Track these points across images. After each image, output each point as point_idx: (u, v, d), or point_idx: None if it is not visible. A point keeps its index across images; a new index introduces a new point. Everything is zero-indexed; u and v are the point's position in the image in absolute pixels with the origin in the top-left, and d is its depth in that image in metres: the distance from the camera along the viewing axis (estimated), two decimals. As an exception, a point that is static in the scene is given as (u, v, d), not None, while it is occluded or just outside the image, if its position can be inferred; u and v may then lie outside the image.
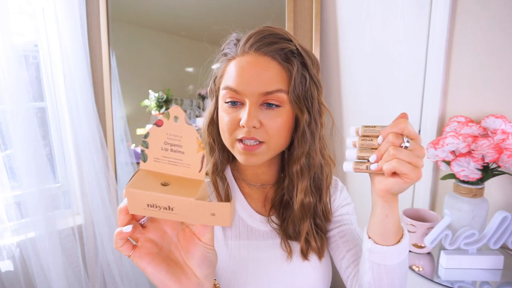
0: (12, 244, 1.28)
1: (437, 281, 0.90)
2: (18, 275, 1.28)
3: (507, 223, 0.90)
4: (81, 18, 1.36)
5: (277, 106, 0.57)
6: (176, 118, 0.33)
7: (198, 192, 0.31)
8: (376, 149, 0.45)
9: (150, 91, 2.11)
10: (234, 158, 0.69)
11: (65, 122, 1.43)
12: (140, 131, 2.16)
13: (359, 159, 0.47)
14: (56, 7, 1.29)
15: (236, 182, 0.69)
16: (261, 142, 0.57)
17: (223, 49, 0.63)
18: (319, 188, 0.66)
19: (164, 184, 0.32)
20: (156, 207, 0.31)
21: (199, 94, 1.78)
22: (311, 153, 0.61)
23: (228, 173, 0.69)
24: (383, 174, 0.45)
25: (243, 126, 0.55)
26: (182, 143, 0.33)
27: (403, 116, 0.44)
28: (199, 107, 1.72)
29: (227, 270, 0.61)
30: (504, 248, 1.03)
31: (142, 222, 0.35)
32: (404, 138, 0.43)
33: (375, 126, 0.46)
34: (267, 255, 0.63)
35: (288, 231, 0.64)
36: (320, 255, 0.65)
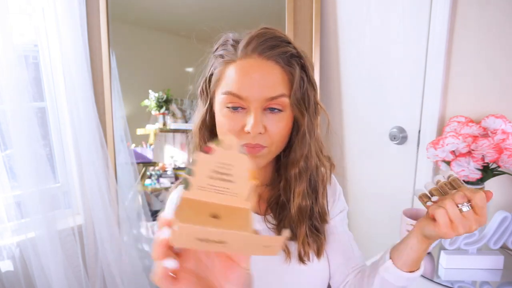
0: (12, 244, 1.28)
1: (437, 281, 0.90)
2: (18, 275, 1.28)
3: (507, 223, 0.90)
4: (81, 18, 1.36)
5: (279, 110, 0.57)
6: (228, 146, 0.32)
7: (249, 224, 0.30)
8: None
9: (150, 91, 2.11)
10: None
11: (65, 122, 1.43)
12: (140, 131, 2.17)
13: (429, 192, 0.53)
14: (56, 7, 1.29)
15: None
16: (262, 147, 0.57)
17: (216, 50, 0.61)
18: (315, 190, 0.65)
19: (214, 216, 0.31)
20: (208, 241, 0.28)
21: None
22: (308, 156, 0.61)
23: None
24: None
25: (248, 132, 0.54)
26: (232, 172, 0.32)
27: (487, 193, 0.48)
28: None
29: None
30: (504, 248, 1.03)
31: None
32: (466, 203, 0.46)
33: (462, 183, 0.51)
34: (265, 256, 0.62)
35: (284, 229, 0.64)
36: (318, 255, 0.64)
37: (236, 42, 0.58)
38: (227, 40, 0.60)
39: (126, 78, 1.71)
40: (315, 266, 0.65)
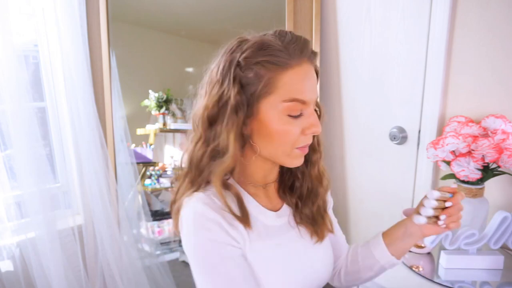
0: (12, 244, 1.27)
1: (437, 281, 0.90)
2: (18, 275, 1.28)
3: (507, 223, 0.90)
4: (81, 18, 1.36)
5: (316, 110, 0.64)
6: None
7: None
8: (442, 209, 0.63)
9: (150, 91, 2.11)
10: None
11: (65, 122, 1.43)
12: (140, 131, 2.17)
13: (433, 217, 0.63)
14: (56, 7, 1.29)
15: (241, 186, 0.67)
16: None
17: (256, 56, 0.56)
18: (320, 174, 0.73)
19: None
20: None
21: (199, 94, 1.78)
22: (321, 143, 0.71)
23: (232, 180, 0.66)
24: (437, 225, 0.64)
25: (310, 134, 0.60)
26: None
27: (459, 190, 0.64)
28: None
29: (259, 273, 0.60)
30: (504, 248, 1.03)
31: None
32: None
33: (444, 192, 0.63)
34: (290, 248, 0.66)
35: (304, 214, 0.70)
36: (332, 231, 0.73)
37: (283, 47, 0.56)
38: (272, 45, 0.56)
39: (126, 78, 1.71)
40: (327, 244, 0.73)
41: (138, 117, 2.14)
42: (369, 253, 0.72)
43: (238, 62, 0.57)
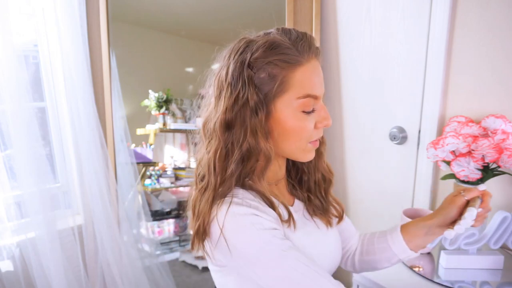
0: (12, 244, 1.27)
1: (437, 281, 0.90)
2: (18, 275, 1.28)
3: (507, 223, 0.90)
4: (81, 18, 1.36)
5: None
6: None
7: None
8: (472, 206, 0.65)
9: (150, 91, 2.11)
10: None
11: (65, 122, 1.43)
12: (140, 131, 2.17)
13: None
14: (56, 7, 1.29)
15: (257, 186, 0.66)
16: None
17: (268, 56, 0.56)
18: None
19: None
20: None
21: (199, 94, 1.78)
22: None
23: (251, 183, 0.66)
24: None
25: (323, 127, 0.62)
26: None
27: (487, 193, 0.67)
28: (199, 107, 1.72)
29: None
30: (504, 248, 1.03)
31: None
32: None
33: (474, 199, 0.66)
34: (314, 238, 0.67)
35: (316, 206, 0.72)
36: (341, 217, 0.75)
37: (293, 45, 0.57)
38: (282, 44, 0.57)
39: (126, 78, 1.71)
40: (336, 229, 0.75)
41: (138, 117, 2.14)
42: (387, 246, 0.74)
43: (250, 63, 0.57)
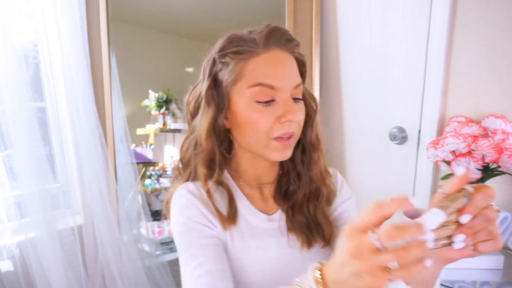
0: (12, 244, 1.27)
1: (437, 281, 0.90)
2: (18, 275, 1.28)
3: (507, 223, 0.90)
4: (81, 18, 1.36)
5: (300, 99, 0.61)
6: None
7: None
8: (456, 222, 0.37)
9: (150, 91, 2.11)
10: (229, 161, 0.67)
11: (65, 122, 1.43)
12: (140, 131, 2.17)
13: (446, 237, 0.37)
14: (56, 7, 1.29)
15: (236, 183, 0.67)
16: (291, 135, 0.59)
17: (224, 49, 0.59)
18: (322, 173, 0.68)
19: None
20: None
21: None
22: (320, 139, 0.67)
23: (227, 176, 0.67)
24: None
25: (285, 122, 0.57)
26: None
27: (489, 192, 0.37)
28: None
29: (235, 272, 0.60)
30: (504, 248, 1.03)
31: None
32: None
33: (450, 202, 0.36)
34: (273, 253, 0.63)
35: (297, 221, 0.65)
36: (328, 242, 0.65)
37: (251, 38, 0.58)
38: (240, 37, 0.59)
39: (126, 78, 1.71)
40: (325, 251, 0.65)
41: (138, 117, 2.14)
42: None
43: (214, 58, 0.60)
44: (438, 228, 0.35)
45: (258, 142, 0.59)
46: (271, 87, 0.56)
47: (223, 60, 0.59)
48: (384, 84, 1.31)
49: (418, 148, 1.24)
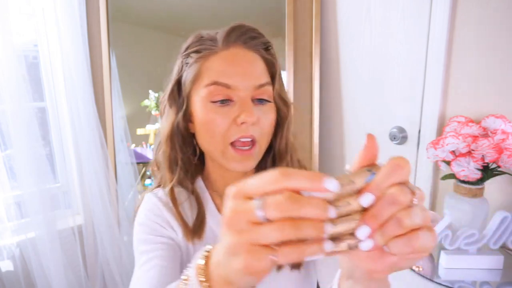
0: (12, 244, 1.27)
1: (437, 281, 0.90)
2: (18, 275, 1.28)
3: (507, 223, 0.90)
4: (81, 18, 1.36)
5: (267, 101, 0.56)
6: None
7: None
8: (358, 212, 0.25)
9: (150, 91, 2.11)
10: (203, 169, 0.64)
11: (65, 122, 1.43)
12: (140, 131, 2.16)
13: (334, 236, 0.25)
14: (56, 7, 1.29)
15: (210, 192, 0.63)
16: (253, 144, 0.54)
17: (188, 49, 0.57)
18: None
19: None
20: None
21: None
22: (292, 147, 0.62)
23: (201, 185, 0.63)
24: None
25: (241, 123, 0.52)
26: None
27: (399, 162, 0.26)
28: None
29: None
30: (504, 248, 1.03)
31: None
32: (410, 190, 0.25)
33: (350, 176, 0.26)
34: None
35: None
36: (298, 265, 0.59)
37: (211, 36, 0.56)
38: (201, 36, 0.57)
39: (126, 78, 1.71)
40: (296, 276, 0.61)
41: (138, 117, 2.13)
42: None
43: (181, 60, 0.59)
44: (337, 204, 0.24)
45: (215, 148, 0.55)
46: (227, 86, 0.52)
47: (186, 61, 0.57)
48: (384, 84, 1.31)
49: (418, 148, 1.24)
